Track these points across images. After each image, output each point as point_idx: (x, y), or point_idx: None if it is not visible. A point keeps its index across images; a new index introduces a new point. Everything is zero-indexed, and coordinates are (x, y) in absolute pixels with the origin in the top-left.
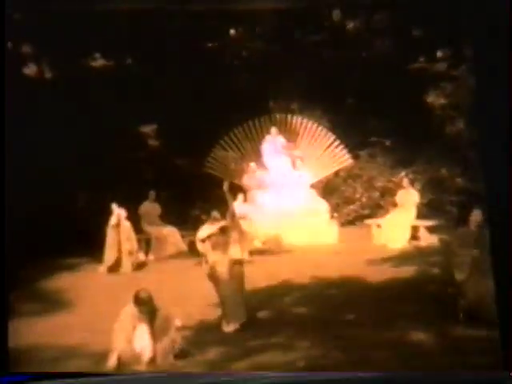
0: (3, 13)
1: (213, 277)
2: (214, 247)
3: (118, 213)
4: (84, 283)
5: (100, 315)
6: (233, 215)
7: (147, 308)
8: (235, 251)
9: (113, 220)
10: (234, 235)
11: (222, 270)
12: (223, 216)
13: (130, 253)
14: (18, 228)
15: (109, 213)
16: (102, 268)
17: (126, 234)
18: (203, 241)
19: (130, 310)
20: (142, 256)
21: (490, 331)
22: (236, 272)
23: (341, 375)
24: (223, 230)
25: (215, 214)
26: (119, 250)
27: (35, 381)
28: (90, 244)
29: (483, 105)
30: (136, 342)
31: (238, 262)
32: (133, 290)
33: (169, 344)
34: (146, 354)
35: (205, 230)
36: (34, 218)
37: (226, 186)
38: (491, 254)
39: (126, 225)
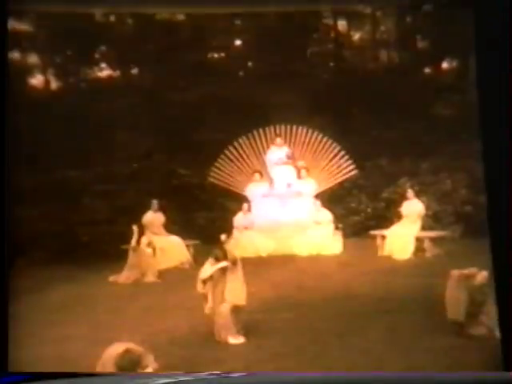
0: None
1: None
2: (215, 288)
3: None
4: (87, 293)
5: (102, 326)
6: (234, 261)
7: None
8: (234, 297)
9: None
10: (233, 279)
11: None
12: (224, 255)
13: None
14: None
15: (112, 223)
16: (106, 278)
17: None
18: (204, 282)
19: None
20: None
21: (490, 332)
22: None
23: (340, 375)
24: (223, 270)
25: (217, 252)
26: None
27: (35, 381)
28: (93, 254)
29: (485, 116)
30: None
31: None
32: (136, 300)
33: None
34: None
35: (206, 271)
36: (38, 227)
37: (223, 238)
38: (492, 255)
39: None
